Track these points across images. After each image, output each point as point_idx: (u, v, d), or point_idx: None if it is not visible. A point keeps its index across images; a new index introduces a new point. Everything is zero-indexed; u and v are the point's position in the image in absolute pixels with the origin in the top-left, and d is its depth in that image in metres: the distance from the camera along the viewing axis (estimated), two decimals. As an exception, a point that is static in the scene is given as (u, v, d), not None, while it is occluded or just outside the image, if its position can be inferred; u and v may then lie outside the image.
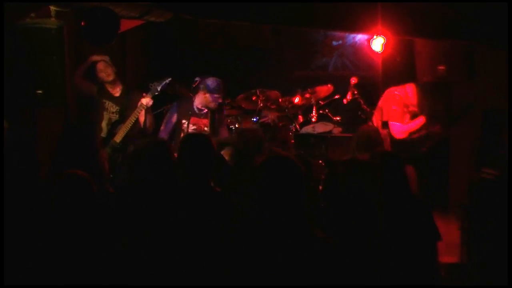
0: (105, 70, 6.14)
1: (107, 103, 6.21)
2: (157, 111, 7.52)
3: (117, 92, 6.22)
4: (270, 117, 6.59)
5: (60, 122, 5.97)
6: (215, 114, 6.44)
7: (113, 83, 6.20)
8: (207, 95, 6.32)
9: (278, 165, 2.84)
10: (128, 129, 5.96)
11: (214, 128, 6.38)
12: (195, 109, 6.42)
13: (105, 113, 6.20)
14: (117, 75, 6.26)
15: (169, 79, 6.06)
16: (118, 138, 5.96)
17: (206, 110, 6.37)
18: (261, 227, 2.75)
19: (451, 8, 5.54)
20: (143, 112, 6.01)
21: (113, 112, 6.17)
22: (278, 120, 7.22)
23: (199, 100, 6.39)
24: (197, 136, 4.09)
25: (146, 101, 5.98)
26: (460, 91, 6.89)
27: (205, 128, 6.37)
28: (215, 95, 6.33)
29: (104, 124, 6.18)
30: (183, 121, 6.39)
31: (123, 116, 6.10)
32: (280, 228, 2.72)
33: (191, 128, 6.35)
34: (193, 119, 6.37)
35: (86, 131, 4.12)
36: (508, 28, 5.09)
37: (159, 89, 6.00)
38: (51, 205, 3.20)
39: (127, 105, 6.13)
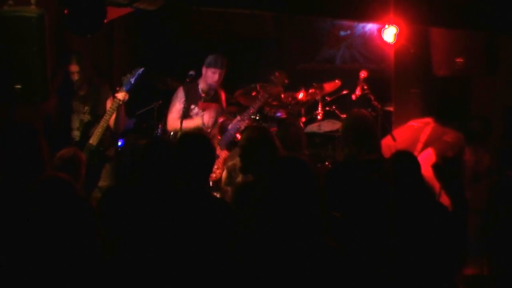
0: (74, 74, 6.08)
1: (74, 104, 6.13)
2: (147, 108, 7.53)
3: (83, 89, 6.15)
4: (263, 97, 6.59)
5: (41, 119, 5.96)
6: (218, 97, 6.51)
7: (79, 82, 6.13)
8: (205, 70, 6.50)
9: (288, 168, 2.84)
10: (103, 129, 5.91)
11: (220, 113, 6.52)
12: (201, 91, 6.52)
13: (74, 115, 6.12)
14: (84, 73, 6.15)
15: (142, 69, 6.02)
16: (93, 141, 5.89)
17: (211, 92, 6.42)
18: (267, 237, 2.74)
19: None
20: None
21: (84, 113, 6.11)
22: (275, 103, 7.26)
23: (202, 79, 6.53)
24: (194, 135, 4.07)
25: (122, 95, 5.90)
26: (480, 86, 6.89)
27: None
28: (211, 69, 6.43)
29: (75, 127, 6.11)
30: (192, 106, 6.50)
31: (95, 115, 6.05)
32: (289, 237, 2.72)
33: (200, 114, 6.46)
34: (201, 104, 6.44)
35: (26, 128, 3.98)
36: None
37: (133, 82, 5.95)
38: (31, 210, 3.20)
39: (96, 102, 6.08)
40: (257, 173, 4.12)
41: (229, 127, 6.27)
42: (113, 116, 5.94)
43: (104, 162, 5.96)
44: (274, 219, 2.74)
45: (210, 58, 6.53)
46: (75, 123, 6.06)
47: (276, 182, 2.77)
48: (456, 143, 5.99)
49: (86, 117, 6.06)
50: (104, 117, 5.91)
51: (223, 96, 6.80)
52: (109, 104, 6.00)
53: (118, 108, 5.93)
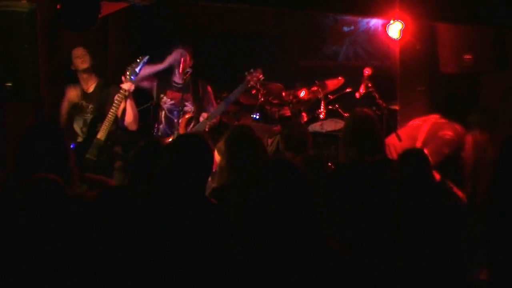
0: (81, 56, 6.05)
1: (79, 102, 6.10)
2: (142, 107, 7.52)
3: (91, 87, 6.13)
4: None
5: (33, 119, 5.95)
6: (197, 89, 6.47)
7: (87, 73, 6.09)
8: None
9: (278, 172, 2.84)
10: (110, 123, 5.86)
11: (199, 105, 6.44)
12: (172, 81, 6.49)
13: (77, 116, 6.09)
14: (93, 67, 6.15)
15: (147, 57, 5.99)
16: (101, 136, 5.85)
17: (182, 82, 6.43)
18: (267, 245, 2.74)
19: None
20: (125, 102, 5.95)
21: (87, 112, 6.07)
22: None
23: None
24: (192, 137, 4.07)
25: (128, 85, 5.86)
26: (489, 83, 6.87)
27: (186, 103, 6.40)
28: (184, 51, 6.41)
29: (78, 128, 6.08)
30: (161, 95, 6.48)
31: (101, 113, 6.01)
32: (290, 242, 2.71)
33: (169, 102, 6.41)
34: (169, 92, 6.42)
35: (54, 128, 4.09)
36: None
37: (138, 71, 5.92)
38: (19, 213, 3.20)
39: (104, 101, 6.04)
40: (240, 173, 4.15)
41: (191, 127, 6.27)
42: (120, 108, 5.91)
43: (114, 158, 5.94)
44: (266, 225, 2.74)
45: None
46: (79, 123, 6.04)
47: (266, 187, 2.78)
48: (452, 140, 5.94)
49: (89, 117, 6.03)
50: (111, 110, 5.84)
51: (208, 89, 6.67)
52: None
53: (126, 99, 5.90)
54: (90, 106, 6.03)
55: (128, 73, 5.88)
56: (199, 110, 6.36)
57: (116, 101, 5.84)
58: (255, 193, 2.83)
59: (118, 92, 5.92)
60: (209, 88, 6.64)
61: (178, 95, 6.39)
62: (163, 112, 6.44)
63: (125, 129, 6.09)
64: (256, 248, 2.77)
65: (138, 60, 5.94)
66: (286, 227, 2.73)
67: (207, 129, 6.19)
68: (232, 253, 2.98)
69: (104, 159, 5.85)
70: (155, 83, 6.50)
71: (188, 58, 6.42)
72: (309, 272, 2.69)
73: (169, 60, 6.42)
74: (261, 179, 2.85)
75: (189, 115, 6.35)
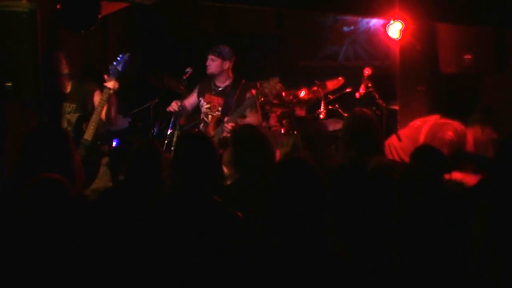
0: (62, 61, 6.03)
1: (63, 105, 6.09)
2: (143, 107, 7.54)
3: (67, 87, 6.12)
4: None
5: (33, 119, 5.96)
6: (233, 92, 6.37)
7: (66, 77, 6.09)
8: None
9: (292, 171, 2.82)
10: (96, 122, 5.83)
11: (227, 109, 6.33)
12: (213, 85, 6.44)
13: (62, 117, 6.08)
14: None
15: (128, 54, 5.95)
16: (88, 136, 5.83)
17: (223, 85, 6.38)
18: (273, 246, 2.73)
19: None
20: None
21: (69, 112, 6.06)
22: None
23: None
24: (194, 135, 4.07)
25: (112, 84, 5.81)
26: (489, 84, 6.87)
27: (219, 108, 6.37)
28: (208, 55, 6.33)
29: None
30: (200, 98, 6.48)
31: (84, 112, 5.99)
32: (295, 246, 2.70)
33: (205, 106, 6.40)
34: (207, 96, 6.40)
35: (58, 129, 4.11)
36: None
37: (120, 69, 5.89)
38: (22, 212, 3.20)
39: (84, 99, 6.03)
40: (245, 171, 4.15)
41: (218, 128, 6.25)
42: (105, 108, 5.89)
43: (102, 158, 5.93)
44: (279, 225, 2.73)
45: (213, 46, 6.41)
46: (63, 124, 6.03)
47: (281, 186, 2.76)
48: (452, 140, 5.91)
49: (72, 116, 6.02)
50: (96, 109, 5.82)
51: (249, 94, 6.43)
52: (97, 97, 5.96)
53: (109, 98, 5.87)
54: (72, 106, 6.02)
55: (110, 72, 5.87)
56: (225, 114, 6.30)
57: (101, 101, 5.82)
58: (270, 191, 2.82)
59: (94, 88, 5.93)
60: (253, 92, 6.44)
61: (214, 98, 6.38)
62: (201, 115, 6.46)
63: (108, 127, 6.09)
64: (268, 246, 2.75)
65: (119, 59, 5.92)
66: (300, 225, 2.72)
67: (224, 135, 6.15)
68: (237, 251, 2.98)
69: (93, 159, 5.84)
70: (196, 90, 6.52)
71: (215, 62, 6.32)
72: (315, 271, 2.69)
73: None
74: (277, 177, 2.84)
75: (218, 117, 6.34)
